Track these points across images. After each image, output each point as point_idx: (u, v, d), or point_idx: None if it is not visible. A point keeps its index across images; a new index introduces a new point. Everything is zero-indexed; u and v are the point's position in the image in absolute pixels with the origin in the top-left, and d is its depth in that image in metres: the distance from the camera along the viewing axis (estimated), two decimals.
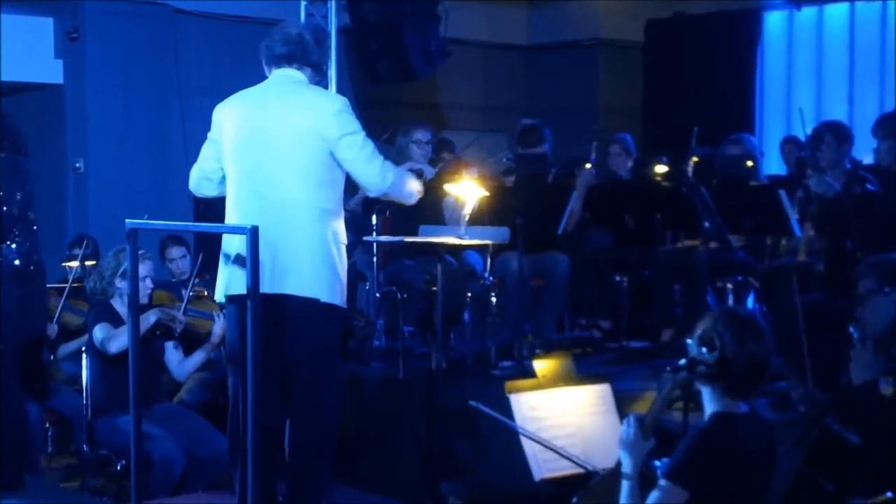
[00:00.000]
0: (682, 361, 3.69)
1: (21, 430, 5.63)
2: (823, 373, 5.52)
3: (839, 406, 4.38)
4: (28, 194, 5.52)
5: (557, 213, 7.09)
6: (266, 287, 4.51)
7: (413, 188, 5.12)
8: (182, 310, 6.14)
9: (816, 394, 4.49)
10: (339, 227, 4.89)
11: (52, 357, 6.90)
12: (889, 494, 4.10)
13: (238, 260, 4.78)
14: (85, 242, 7.36)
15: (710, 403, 3.73)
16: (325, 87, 9.60)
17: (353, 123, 4.84)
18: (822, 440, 4.32)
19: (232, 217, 4.89)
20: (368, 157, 4.85)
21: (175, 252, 7.51)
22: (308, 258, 4.75)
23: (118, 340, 5.80)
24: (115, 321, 5.97)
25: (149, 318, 5.87)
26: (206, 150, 5.05)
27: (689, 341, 3.78)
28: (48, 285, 7.00)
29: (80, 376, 6.29)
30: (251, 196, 4.83)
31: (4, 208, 5.38)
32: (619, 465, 3.86)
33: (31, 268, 5.57)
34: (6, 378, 5.49)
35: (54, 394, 6.70)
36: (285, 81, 4.92)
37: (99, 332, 5.93)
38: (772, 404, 5.82)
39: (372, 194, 5.14)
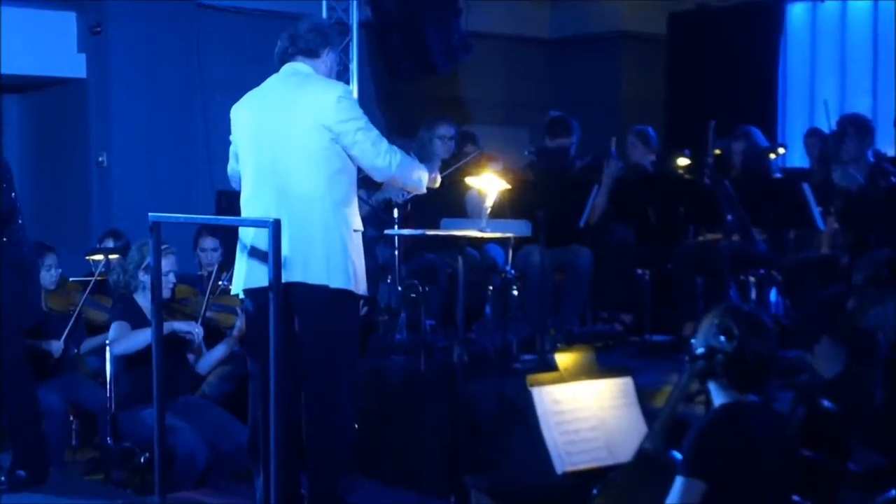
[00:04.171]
0: (700, 350, 3.68)
1: (36, 415, 5.64)
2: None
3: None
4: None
5: (579, 207, 7.08)
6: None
7: (422, 177, 5.12)
8: (201, 314, 6.11)
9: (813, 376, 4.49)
10: (350, 215, 4.91)
11: (76, 351, 6.93)
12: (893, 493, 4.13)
13: (254, 253, 4.81)
14: (116, 236, 7.42)
15: (717, 397, 3.73)
16: (347, 80, 9.66)
17: (352, 110, 4.87)
18: (812, 418, 4.33)
19: (246, 211, 4.95)
20: (371, 142, 4.87)
21: (209, 243, 7.54)
22: (318, 247, 4.77)
23: (123, 344, 5.84)
24: (137, 316, 5.98)
25: (169, 326, 5.75)
26: (232, 150, 5.15)
27: (693, 341, 3.77)
28: (72, 279, 7.10)
29: (103, 370, 6.32)
30: (263, 190, 4.88)
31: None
32: (637, 457, 3.87)
33: (28, 253, 5.63)
34: (19, 360, 5.52)
35: (78, 387, 6.73)
36: (287, 75, 5.01)
37: (112, 330, 5.95)
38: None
39: (378, 178, 5.17)
